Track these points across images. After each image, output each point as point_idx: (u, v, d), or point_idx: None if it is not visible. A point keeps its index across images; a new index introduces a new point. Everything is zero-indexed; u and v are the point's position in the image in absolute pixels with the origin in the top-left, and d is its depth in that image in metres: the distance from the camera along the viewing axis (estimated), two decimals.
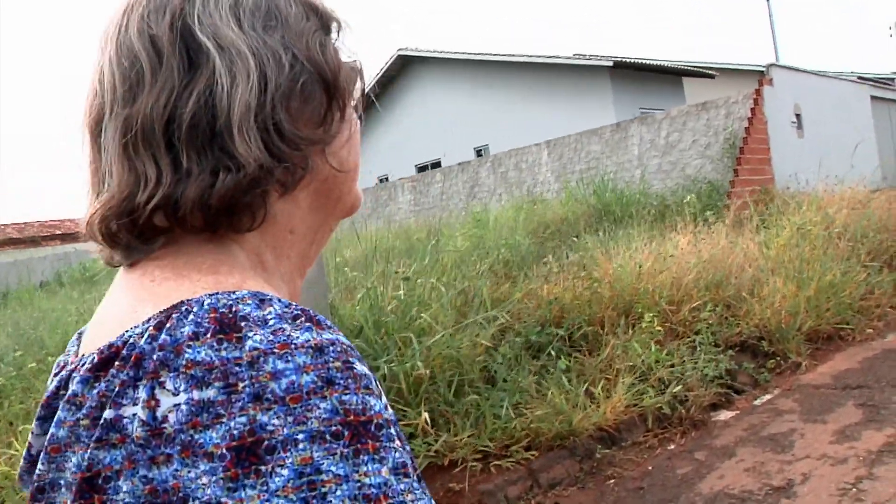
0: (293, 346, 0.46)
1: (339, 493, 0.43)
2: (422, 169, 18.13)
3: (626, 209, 10.22)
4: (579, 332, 5.42)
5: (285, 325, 0.47)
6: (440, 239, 9.84)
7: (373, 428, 0.46)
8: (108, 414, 0.47)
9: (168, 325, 0.48)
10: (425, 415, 4.03)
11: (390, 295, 5.12)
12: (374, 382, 0.49)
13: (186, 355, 0.46)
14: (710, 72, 14.15)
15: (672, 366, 4.76)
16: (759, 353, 5.18)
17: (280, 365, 0.45)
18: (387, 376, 4.33)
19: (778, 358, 5.10)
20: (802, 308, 5.33)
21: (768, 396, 4.64)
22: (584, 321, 5.51)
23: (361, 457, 0.44)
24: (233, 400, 0.44)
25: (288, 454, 0.43)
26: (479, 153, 16.91)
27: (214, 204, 0.52)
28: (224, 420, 0.44)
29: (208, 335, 0.46)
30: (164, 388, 0.46)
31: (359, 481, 0.44)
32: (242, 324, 0.47)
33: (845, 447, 3.66)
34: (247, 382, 0.45)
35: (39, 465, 0.51)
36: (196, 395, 0.45)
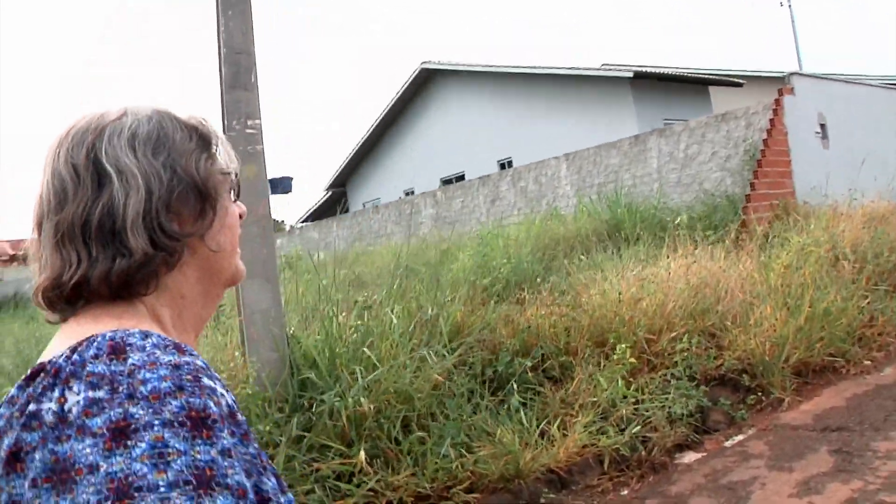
0: (158, 363, 0.67)
1: (179, 461, 0.62)
2: (446, 182, 17.97)
3: (639, 225, 9.87)
4: (551, 362, 5.16)
5: (157, 351, 0.69)
6: (442, 258, 9.69)
7: (209, 422, 0.65)
8: (31, 408, 0.67)
9: (79, 349, 0.69)
10: (363, 453, 3.85)
11: (349, 325, 4.95)
12: (217, 393, 0.69)
13: (88, 368, 0.66)
14: (737, 80, 13.61)
15: (637, 402, 4.46)
16: (740, 387, 4.83)
17: (148, 375, 0.66)
18: (333, 411, 4.17)
19: (759, 393, 4.74)
20: (791, 338, 4.95)
21: (741, 437, 4.30)
22: (558, 351, 5.25)
23: (197, 440, 0.63)
24: (114, 398, 0.64)
25: (147, 433, 0.62)
26: (502, 166, 16.67)
27: (114, 280, 0.74)
28: (106, 410, 0.63)
29: (104, 355, 0.67)
30: (72, 390, 0.66)
31: (193, 456, 0.62)
32: (128, 349, 0.68)
33: (804, 502, 3.32)
34: (124, 386, 0.65)
35: None
36: (91, 394, 0.64)
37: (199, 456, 0.63)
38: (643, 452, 4.17)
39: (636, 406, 4.44)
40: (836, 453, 3.76)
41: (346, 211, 20.80)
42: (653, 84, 13.23)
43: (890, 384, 4.65)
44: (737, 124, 10.26)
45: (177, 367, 0.68)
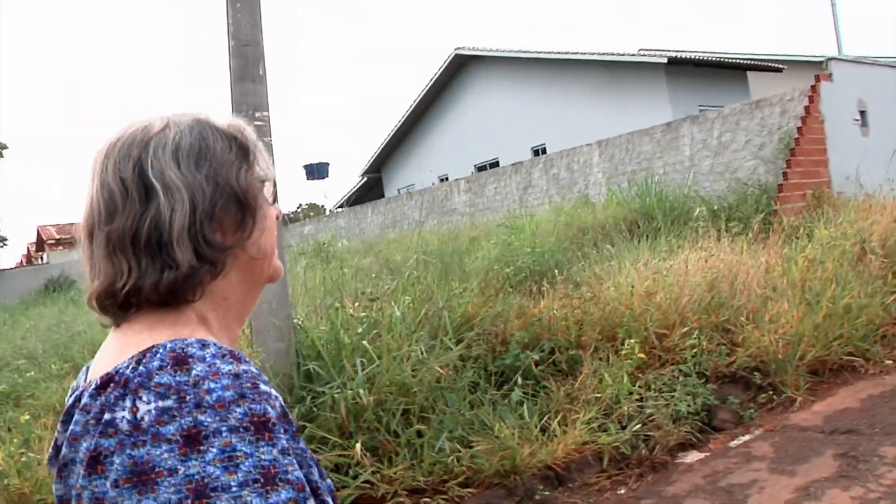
0: (220, 373, 0.73)
1: (247, 462, 0.69)
2: (481, 169, 17.88)
3: (669, 214, 9.67)
4: (559, 356, 5.10)
5: (217, 361, 0.74)
6: (469, 247, 9.64)
7: (269, 425, 0.72)
8: (106, 416, 0.73)
9: (144, 360, 0.74)
10: (359, 445, 3.87)
11: (357, 316, 4.96)
12: (272, 397, 0.76)
13: (155, 379, 0.72)
14: (776, 65, 13.19)
15: (642, 399, 4.38)
16: (752, 385, 4.71)
17: (212, 385, 0.72)
18: (334, 403, 4.19)
19: (771, 392, 4.62)
20: (807, 335, 4.80)
21: (747, 437, 4.20)
22: (569, 344, 5.18)
23: (261, 442, 0.70)
24: (182, 406, 0.70)
25: (216, 439, 0.69)
26: (536, 153, 16.50)
27: (163, 290, 0.79)
28: (177, 419, 0.70)
29: (168, 367, 0.73)
30: (142, 399, 0.71)
31: (258, 457, 0.70)
32: (190, 360, 0.73)
33: None
34: (191, 396, 0.71)
35: (63, 450, 0.79)
36: (160, 403, 0.70)
37: (263, 457, 0.71)
38: (644, 451, 4.10)
39: (640, 403, 4.36)
40: (842, 457, 3.64)
41: (382, 196, 20.88)
42: (688, 70, 12.90)
43: None
44: (771, 111, 9.95)
45: (237, 376, 0.74)
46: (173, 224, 0.79)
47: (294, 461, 0.74)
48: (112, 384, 0.75)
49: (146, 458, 0.70)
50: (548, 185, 14.03)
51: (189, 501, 0.68)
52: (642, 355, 4.83)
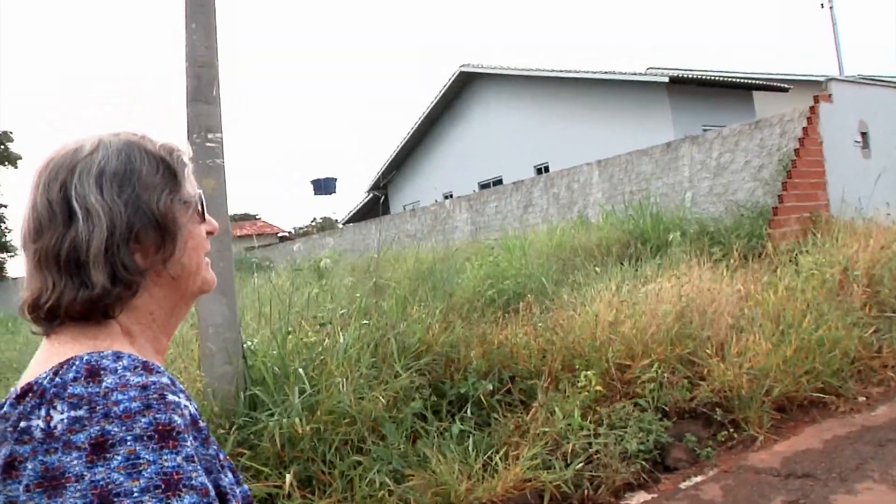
0: (129, 385, 0.78)
1: (150, 469, 0.74)
2: (484, 186, 17.75)
3: (662, 236, 9.44)
4: (519, 385, 4.91)
5: (127, 373, 0.79)
6: (460, 268, 9.47)
7: (174, 434, 0.77)
8: (22, 424, 0.77)
9: (60, 371, 0.79)
10: (289, 476, 3.72)
11: (306, 342, 4.82)
12: (181, 406, 0.80)
13: (69, 390, 0.77)
14: (782, 85, 12.91)
15: (590, 435, 4.17)
16: (714, 422, 4.48)
17: (120, 397, 0.77)
18: (270, 431, 4.05)
19: (732, 429, 4.38)
20: (774, 370, 4.57)
21: (699, 479, 3.97)
22: (530, 374, 4.99)
23: (164, 450, 0.75)
24: (92, 416, 0.75)
25: (121, 448, 0.74)
26: (539, 171, 16.33)
27: (79, 308, 0.84)
28: (87, 428, 0.75)
29: (82, 378, 0.78)
30: (56, 409, 0.76)
31: (161, 464, 0.74)
32: (102, 372, 0.79)
33: None
34: (101, 406, 0.76)
35: None
36: (72, 413, 0.75)
37: (166, 463, 0.74)
38: (589, 490, 3.89)
39: (590, 439, 4.16)
40: None
41: (388, 213, 20.80)
42: (692, 89, 12.68)
43: (877, 426, 4.22)
44: (771, 132, 9.71)
45: (144, 387, 0.78)
46: (90, 247, 0.84)
47: (199, 468, 0.78)
48: (30, 394, 0.78)
49: (57, 465, 0.73)
50: (548, 205, 13.85)
51: None
52: (600, 388, 4.63)
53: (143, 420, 0.75)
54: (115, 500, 0.71)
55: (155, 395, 0.78)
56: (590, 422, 4.31)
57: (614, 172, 12.30)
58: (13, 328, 11.78)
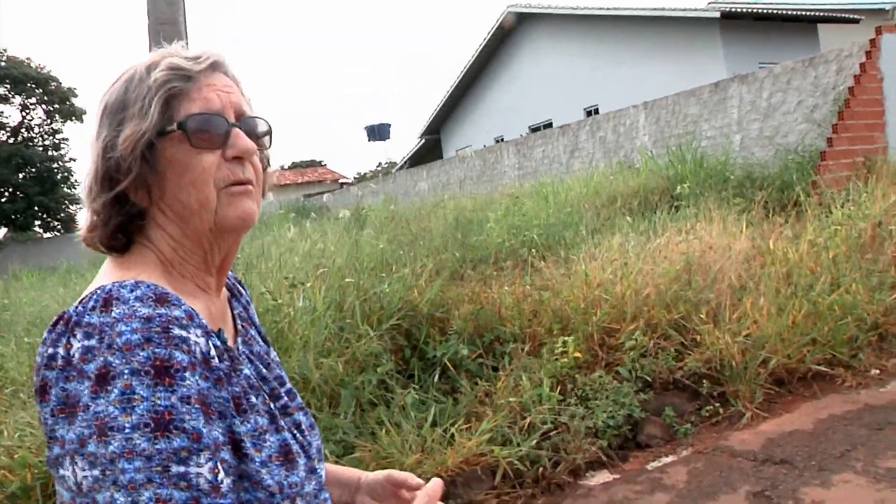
0: (134, 316, 0.76)
1: (142, 406, 0.72)
2: (535, 130, 17.17)
3: (703, 183, 8.84)
4: (501, 348, 4.64)
5: (137, 304, 0.77)
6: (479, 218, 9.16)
7: (171, 371, 0.74)
8: (50, 351, 0.79)
9: (84, 300, 0.81)
10: None
11: (276, 304, 4.65)
12: (189, 342, 0.77)
13: (85, 319, 0.77)
14: (851, 16, 11.71)
15: (556, 408, 3.88)
16: (700, 395, 4.10)
17: (123, 328, 0.75)
18: None
19: (718, 404, 4.01)
20: (773, 339, 4.13)
21: (670, 459, 3.64)
22: (513, 337, 4.71)
23: (158, 387, 0.73)
24: (100, 346, 0.75)
25: (119, 381, 0.73)
26: (588, 114, 15.61)
27: (88, 242, 0.91)
28: (96, 358, 0.74)
29: (98, 307, 0.78)
30: (75, 337, 0.77)
31: (153, 401, 0.72)
32: (114, 302, 0.77)
33: None
34: (108, 336, 0.75)
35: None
36: (86, 342, 0.76)
37: (159, 402, 0.72)
38: (547, 468, 3.62)
39: (556, 412, 3.86)
40: (755, 497, 3.06)
41: (441, 157, 20.48)
42: (747, 24, 11.67)
43: (880, 406, 3.75)
44: (826, 69, 8.84)
45: (148, 319, 0.76)
46: (84, 185, 0.90)
47: (197, 411, 0.75)
48: (60, 322, 0.80)
49: (74, 392, 0.74)
50: (594, 149, 13.25)
51: (95, 437, 0.72)
52: (579, 354, 4.31)
53: (142, 354, 0.73)
54: (110, 433, 0.71)
55: (158, 329, 0.75)
56: (559, 392, 4.02)
57: (661, 115, 11.59)
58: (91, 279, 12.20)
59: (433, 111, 20.79)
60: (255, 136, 0.94)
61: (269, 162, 1.01)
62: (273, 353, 1.08)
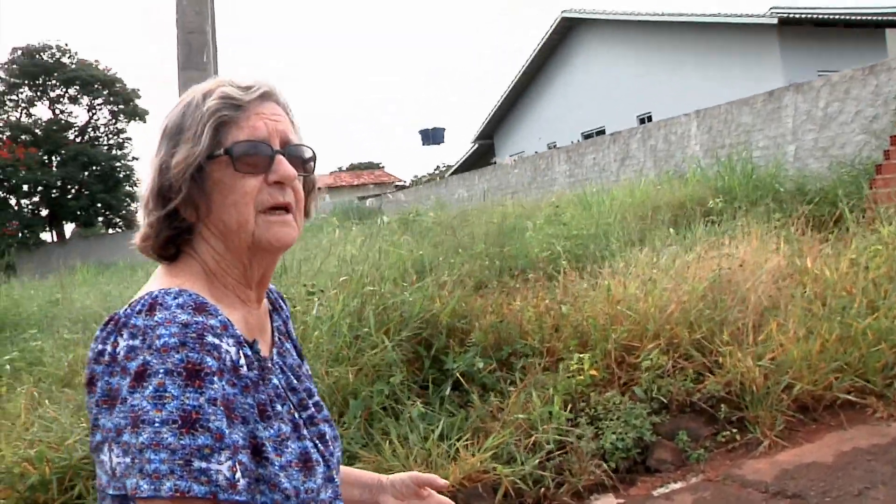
0: (173, 322, 0.82)
1: (172, 403, 0.78)
2: (587, 136, 16.92)
3: (752, 195, 8.56)
4: (518, 362, 4.58)
5: (178, 311, 0.83)
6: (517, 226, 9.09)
7: (202, 374, 0.80)
8: (100, 347, 0.86)
9: (133, 303, 0.86)
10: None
11: (292, 312, 4.70)
12: (220, 350, 0.84)
13: (132, 321, 0.84)
14: None
15: (566, 427, 3.79)
16: (718, 419, 3.95)
17: (163, 331, 0.81)
18: None
19: (736, 430, 3.85)
20: (799, 364, 3.95)
21: (678, 485, 3.51)
22: (531, 352, 4.63)
23: (188, 388, 0.79)
24: (142, 346, 0.81)
25: (154, 379, 0.79)
26: (642, 121, 15.31)
27: (142, 250, 0.99)
28: (138, 356, 0.80)
29: (144, 311, 0.84)
30: (122, 336, 0.84)
31: (183, 400, 0.78)
32: (157, 307, 0.84)
33: None
34: (149, 338, 0.81)
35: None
36: (130, 342, 0.82)
37: (188, 401, 0.79)
38: (548, 489, 3.54)
39: (564, 431, 3.78)
40: None
41: (494, 163, 20.42)
42: (807, 30, 11.25)
43: None
44: (889, 77, 8.45)
45: (186, 325, 0.82)
46: (141, 200, 0.99)
47: (221, 413, 0.81)
48: (111, 322, 0.88)
49: (116, 386, 0.82)
50: (645, 157, 13.00)
51: (129, 427, 0.79)
52: (594, 372, 4.21)
53: (177, 356, 0.80)
54: (142, 425, 0.77)
55: (193, 335, 0.82)
56: (570, 410, 3.93)
57: (713, 124, 11.28)
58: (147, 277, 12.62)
59: (486, 116, 20.76)
60: (300, 162, 1.01)
61: (313, 186, 1.09)
62: (306, 367, 1.16)
